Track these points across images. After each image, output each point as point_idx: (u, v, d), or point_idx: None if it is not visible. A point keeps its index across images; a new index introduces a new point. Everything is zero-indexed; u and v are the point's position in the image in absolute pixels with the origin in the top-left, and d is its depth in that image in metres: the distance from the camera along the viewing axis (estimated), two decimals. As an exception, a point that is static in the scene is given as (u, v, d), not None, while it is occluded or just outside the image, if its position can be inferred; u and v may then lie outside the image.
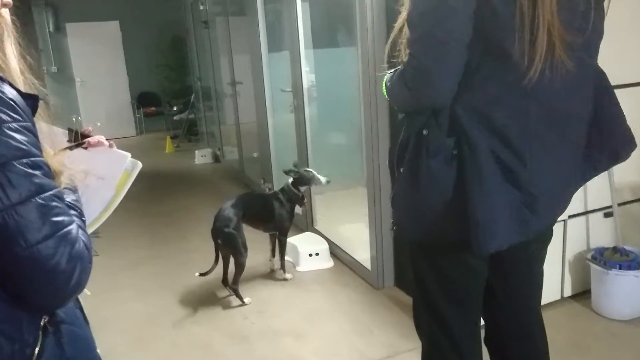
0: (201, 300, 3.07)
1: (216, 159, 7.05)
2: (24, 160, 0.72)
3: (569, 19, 1.10)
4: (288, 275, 3.26)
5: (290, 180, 3.18)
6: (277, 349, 2.53)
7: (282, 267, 3.27)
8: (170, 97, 9.37)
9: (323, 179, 3.18)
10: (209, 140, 7.83)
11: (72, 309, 0.90)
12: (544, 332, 1.55)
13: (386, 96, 1.36)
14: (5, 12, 0.84)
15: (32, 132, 0.76)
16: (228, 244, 2.97)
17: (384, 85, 1.34)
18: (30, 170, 0.72)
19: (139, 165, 1.11)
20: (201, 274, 3.05)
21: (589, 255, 2.57)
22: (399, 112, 1.35)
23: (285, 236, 3.26)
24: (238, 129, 5.81)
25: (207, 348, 2.58)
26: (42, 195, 0.73)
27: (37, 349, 0.79)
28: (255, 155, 5.29)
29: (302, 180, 3.18)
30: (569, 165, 1.27)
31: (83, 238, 0.78)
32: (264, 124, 4.69)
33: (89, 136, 1.10)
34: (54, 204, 0.75)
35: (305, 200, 3.29)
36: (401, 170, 1.29)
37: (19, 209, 0.70)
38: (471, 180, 1.16)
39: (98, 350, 0.97)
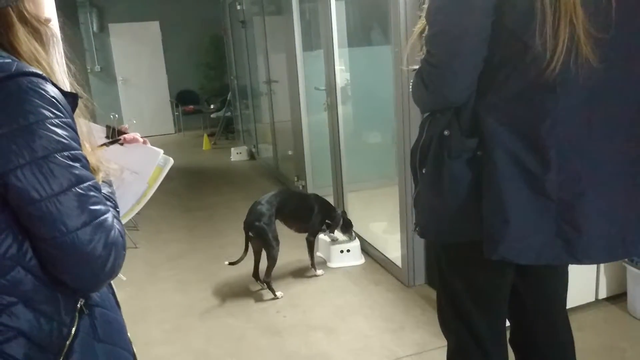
0: (236, 294, 3.17)
1: (251, 156, 7.17)
2: (65, 153, 0.78)
3: (593, 12, 1.06)
4: (319, 272, 3.31)
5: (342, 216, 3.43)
6: (309, 343, 2.59)
7: (312, 265, 3.33)
8: (208, 95, 9.56)
9: (348, 238, 3.46)
10: (244, 138, 7.97)
11: (105, 293, 0.97)
12: (570, 332, 1.54)
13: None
14: (52, 25, 0.92)
15: (72, 127, 0.82)
16: (259, 237, 3.06)
17: (411, 85, 1.36)
18: (71, 162, 0.79)
19: (171, 161, 1.17)
20: (230, 263, 3.15)
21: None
22: (423, 112, 1.36)
23: (314, 237, 3.33)
24: (273, 127, 5.90)
25: (241, 340, 2.67)
26: (81, 186, 0.79)
27: (73, 329, 0.85)
28: (289, 153, 5.36)
29: (347, 226, 3.43)
30: (626, 182, 1.16)
31: (118, 227, 0.84)
32: (298, 123, 4.76)
33: (125, 133, 1.18)
34: (92, 193, 0.81)
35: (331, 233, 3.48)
36: (423, 172, 1.29)
37: (60, 197, 0.77)
38: (486, 181, 1.16)
39: (129, 334, 1.04)
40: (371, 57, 4.52)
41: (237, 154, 7.22)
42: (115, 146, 1.16)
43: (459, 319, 1.45)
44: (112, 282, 0.97)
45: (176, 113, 9.86)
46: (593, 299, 2.63)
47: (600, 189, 1.14)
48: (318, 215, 3.28)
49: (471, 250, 1.26)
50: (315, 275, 3.30)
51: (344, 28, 4.16)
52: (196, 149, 8.15)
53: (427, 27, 1.20)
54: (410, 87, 1.34)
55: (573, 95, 1.11)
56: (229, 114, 8.69)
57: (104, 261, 0.80)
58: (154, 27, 9.45)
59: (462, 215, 1.23)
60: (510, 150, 1.14)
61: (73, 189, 0.78)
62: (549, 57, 1.07)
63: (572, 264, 1.19)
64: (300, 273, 3.37)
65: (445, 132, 1.22)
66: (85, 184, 0.80)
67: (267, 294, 3.10)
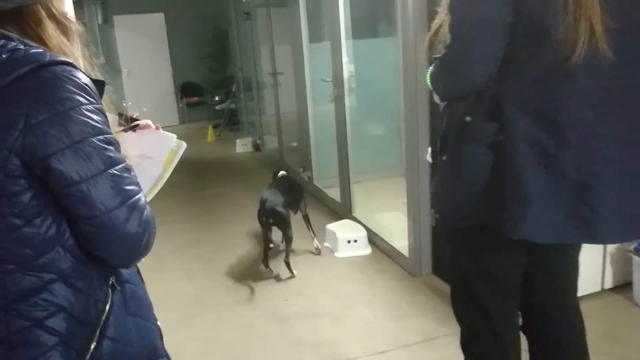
0: (242, 282, 3.19)
1: (256, 147, 7.19)
2: (100, 137, 0.82)
3: (608, 1, 1.11)
4: (315, 243, 3.52)
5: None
6: (315, 330, 2.62)
7: (313, 234, 3.57)
8: (212, 87, 9.56)
9: None
10: (249, 130, 7.97)
11: (133, 270, 1.02)
12: (581, 318, 1.56)
13: (429, 86, 1.40)
14: (74, 18, 0.96)
15: (103, 113, 0.86)
16: (279, 223, 3.20)
17: (427, 76, 1.39)
18: (105, 145, 0.83)
19: (184, 145, 1.21)
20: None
21: (631, 247, 2.55)
22: (442, 101, 1.39)
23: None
24: (278, 119, 5.92)
25: (249, 327, 2.70)
26: (116, 167, 0.83)
27: (107, 305, 0.90)
28: (294, 144, 5.38)
29: None
30: None
31: (147, 206, 0.89)
32: (304, 114, 4.77)
33: (136, 120, 1.21)
34: (125, 174, 0.85)
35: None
36: (443, 158, 1.33)
37: (98, 179, 0.81)
38: (506, 164, 1.20)
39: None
40: (377, 49, 4.53)
41: (242, 146, 7.23)
42: (130, 133, 1.19)
43: (472, 306, 1.48)
44: None
45: (180, 105, 9.87)
46: (599, 289, 2.66)
47: (616, 170, 1.18)
48: (302, 191, 3.59)
49: (487, 235, 1.30)
50: (316, 249, 3.49)
51: (350, 19, 4.16)
52: (201, 141, 8.17)
53: (449, 16, 1.24)
54: (429, 75, 1.38)
55: (591, 79, 1.15)
56: (233, 105, 8.70)
57: (139, 239, 0.85)
58: (159, 18, 9.45)
59: (482, 200, 1.26)
60: (529, 133, 1.17)
61: (109, 171, 0.82)
62: (568, 42, 1.11)
63: (588, 243, 1.23)
64: (306, 262, 3.40)
65: (467, 119, 1.26)
66: (120, 166, 0.84)
67: (273, 282, 3.14)
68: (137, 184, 0.88)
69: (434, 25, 1.34)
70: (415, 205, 2.99)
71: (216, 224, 4.32)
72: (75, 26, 0.94)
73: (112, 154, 0.83)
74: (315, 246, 3.50)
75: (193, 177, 5.89)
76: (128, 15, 9.21)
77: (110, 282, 0.91)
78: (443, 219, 1.40)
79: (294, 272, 3.17)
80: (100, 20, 9.27)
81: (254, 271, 3.30)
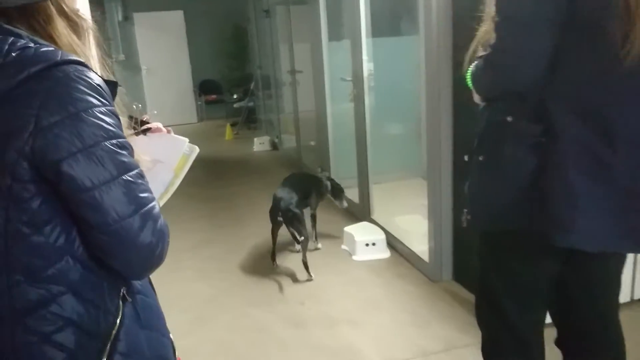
0: (258, 284, 3.15)
1: (274, 146, 7.15)
2: (113, 141, 0.78)
3: None
4: (319, 245, 3.57)
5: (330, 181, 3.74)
6: (333, 335, 2.55)
7: (315, 237, 3.61)
8: (230, 85, 9.57)
9: (340, 204, 3.73)
10: (267, 128, 7.95)
11: (145, 280, 0.97)
12: (620, 332, 1.49)
13: (470, 85, 1.34)
14: (87, 16, 0.91)
15: (116, 115, 0.81)
16: (291, 222, 3.16)
17: (468, 74, 1.33)
18: (119, 150, 0.78)
19: (196, 149, 1.16)
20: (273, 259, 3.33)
21: (664, 257, 2.44)
22: (483, 101, 1.33)
23: (315, 210, 3.67)
24: (296, 117, 5.87)
25: (264, 331, 2.64)
26: (130, 173, 0.79)
27: (118, 318, 0.85)
28: (312, 143, 5.33)
29: (336, 191, 3.73)
30: None
31: (161, 215, 0.84)
32: (323, 113, 4.71)
33: (147, 123, 1.16)
34: (140, 181, 0.80)
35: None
36: (480, 159, 1.27)
37: (112, 185, 0.76)
38: (551, 167, 1.14)
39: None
40: (398, 47, 4.45)
41: (259, 144, 7.21)
42: (141, 137, 1.14)
43: (493, 313, 1.43)
44: None
45: (199, 102, 9.90)
46: (629, 299, 2.55)
47: None
48: (317, 189, 3.57)
49: (520, 240, 1.25)
50: (317, 248, 3.52)
51: (370, 17, 4.09)
52: (218, 139, 8.17)
53: (496, 14, 1.18)
54: (469, 74, 1.33)
55: None
56: (251, 103, 8.69)
57: (153, 248, 0.81)
58: (178, 16, 9.48)
59: (519, 203, 1.20)
60: (577, 136, 1.12)
61: (123, 177, 0.78)
62: (624, 43, 1.04)
63: (638, 252, 1.16)
64: (323, 264, 3.33)
65: (508, 118, 1.20)
66: (133, 172, 0.80)
67: (289, 284, 3.08)
68: (151, 191, 0.83)
69: (480, 32, 1.29)
70: (436, 208, 2.91)
71: (232, 224, 4.29)
72: (87, 24, 0.90)
73: (125, 159, 0.79)
74: (315, 246, 3.55)
75: (210, 176, 5.87)
76: (148, 13, 9.27)
77: (121, 293, 0.87)
78: (476, 221, 1.34)
79: (312, 275, 3.11)
80: (120, 18, 9.33)
81: (270, 272, 3.25)
